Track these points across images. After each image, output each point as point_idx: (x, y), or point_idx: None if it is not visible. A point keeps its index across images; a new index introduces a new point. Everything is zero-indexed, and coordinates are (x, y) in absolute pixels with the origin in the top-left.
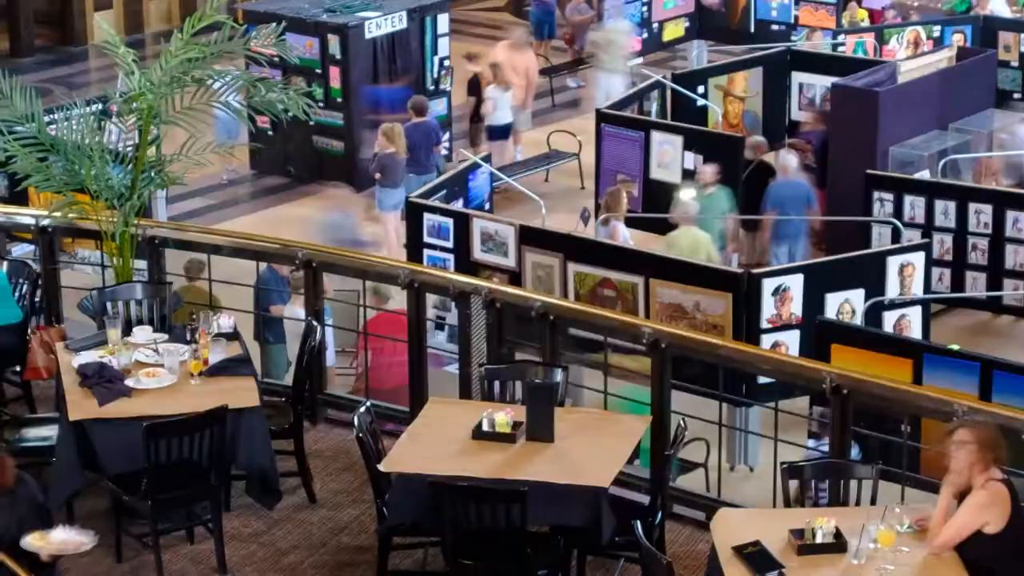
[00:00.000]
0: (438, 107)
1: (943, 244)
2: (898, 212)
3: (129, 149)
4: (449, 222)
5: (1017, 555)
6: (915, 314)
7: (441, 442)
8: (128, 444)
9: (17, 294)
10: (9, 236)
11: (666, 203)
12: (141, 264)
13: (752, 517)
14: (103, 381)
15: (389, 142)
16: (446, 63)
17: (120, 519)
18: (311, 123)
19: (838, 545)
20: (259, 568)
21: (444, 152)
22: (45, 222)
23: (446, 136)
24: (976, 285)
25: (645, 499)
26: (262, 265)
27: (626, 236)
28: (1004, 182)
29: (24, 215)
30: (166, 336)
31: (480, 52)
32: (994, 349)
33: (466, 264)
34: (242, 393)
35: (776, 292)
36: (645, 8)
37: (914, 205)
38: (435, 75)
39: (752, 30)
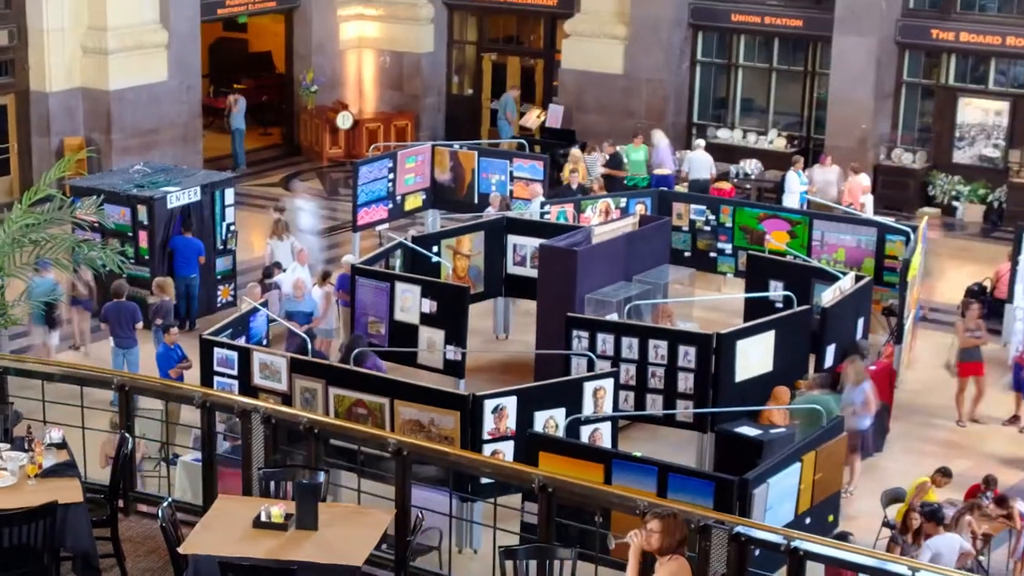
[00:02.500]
0: (225, 263)
1: (628, 372)
2: (592, 347)
3: None
4: (234, 355)
5: None
6: (606, 428)
7: (228, 529)
8: None
9: None
10: None
11: (408, 340)
12: None
13: None
14: None
15: (163, 292)
16: (232, 227)
17: None
18: (124, 276)
19: None
20: None
21: (229, 298)
22: None
23: (231, 286)
24: (655, 405)
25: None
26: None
27: None
28: (677, 323)
29: None
30: (8, 446)
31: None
32: (669, 456)
33: (248, 388)
34: (69, 491)
35: (495, 410)
36: (391, 184)
37: (605, 341)
38: (223, 237)
39: (476, 201)
